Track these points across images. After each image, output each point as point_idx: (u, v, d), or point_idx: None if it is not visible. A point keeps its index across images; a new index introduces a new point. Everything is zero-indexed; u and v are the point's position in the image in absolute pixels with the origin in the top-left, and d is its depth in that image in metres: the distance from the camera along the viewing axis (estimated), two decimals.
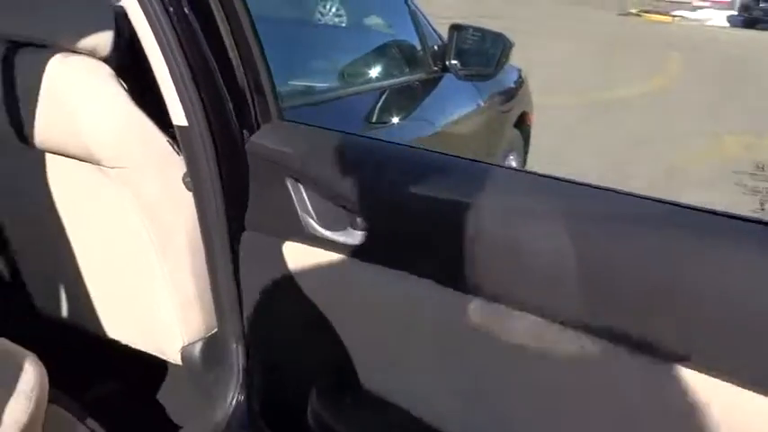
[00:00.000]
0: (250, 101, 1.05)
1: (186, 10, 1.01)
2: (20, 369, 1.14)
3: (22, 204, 1.45)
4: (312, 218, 1.00)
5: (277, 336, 1.15)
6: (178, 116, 1.08)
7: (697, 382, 0.74)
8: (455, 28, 1.91)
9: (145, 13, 1.01)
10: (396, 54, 2.02)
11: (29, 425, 1.03)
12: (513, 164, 2.81)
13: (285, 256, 1.05)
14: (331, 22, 2.49)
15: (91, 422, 1.44)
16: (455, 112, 2.10)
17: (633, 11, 16.87)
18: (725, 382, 0.72)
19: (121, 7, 1.10)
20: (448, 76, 1.96)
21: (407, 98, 1.96)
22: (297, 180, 1.02)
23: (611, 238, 0.80)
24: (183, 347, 1.37)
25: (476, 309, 0.85)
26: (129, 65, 1.24)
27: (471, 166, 1.00)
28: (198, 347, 1.37)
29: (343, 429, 1.07)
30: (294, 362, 1.16)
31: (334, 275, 1.02)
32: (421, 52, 1.98)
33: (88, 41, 1.17)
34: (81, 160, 1.23)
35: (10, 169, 1.39)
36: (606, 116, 5.78)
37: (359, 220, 0.96)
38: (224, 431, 1.22)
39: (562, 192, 0.88)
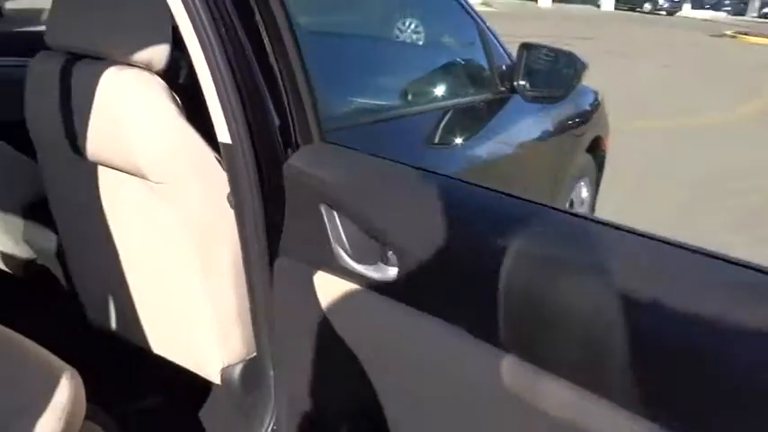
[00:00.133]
0: (291, 121, 1.00)
1: (238, 30, 0.99)
2: (57, 383, 1.13)
3: (76, 215, 1.47)
4: (344, 249, 0.94)
5: (306, 367, 1.09)
6: (223, 133, 1.06)
7: None
8: (525, 47, 1.82)
9: (195, 30, 0.99)
10: (461, 73, 1.95)
11: None
12: (585, 191, 2.67)
13: (316, 287, 0.99)
14: (409, 39, 2.46)
15: None
16: (521, 135, 1.99)
17: (728, 32, 16.10)
18: None
19: None
20: (515, 98, 1.87)
21: (471, 119, 1.88)
22: (331, 207, 0.96)
23: (667, 302, 0.67)
24: (223, 368, 1.35)
25: (507, 367, 0.75)
26: (183, 80, 1.24)
27: (515, 205, 0.89)
28: (237, 369, 1.34)
29: None
30: (323, 396, 1.09)
31: (364, 311, 0.95)
32: (488, 72, 1.90)
33: (143, 55, 1.16)
34: (129, 174, 1.23)
35: (64, 180, 1.41)
36: (694, 142, 5.45)
37: (390, 254, 0.89)
38: None
39: (611, 240, 0.77)
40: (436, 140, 1.76)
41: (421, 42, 2.34)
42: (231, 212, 1.15)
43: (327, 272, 0.98)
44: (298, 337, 1.07)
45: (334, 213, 0.95)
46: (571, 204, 2.58)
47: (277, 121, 1.02)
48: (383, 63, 1.93)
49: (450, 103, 1.86)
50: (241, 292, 1.23)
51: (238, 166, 1.05)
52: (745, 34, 15.79)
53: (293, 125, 1.01)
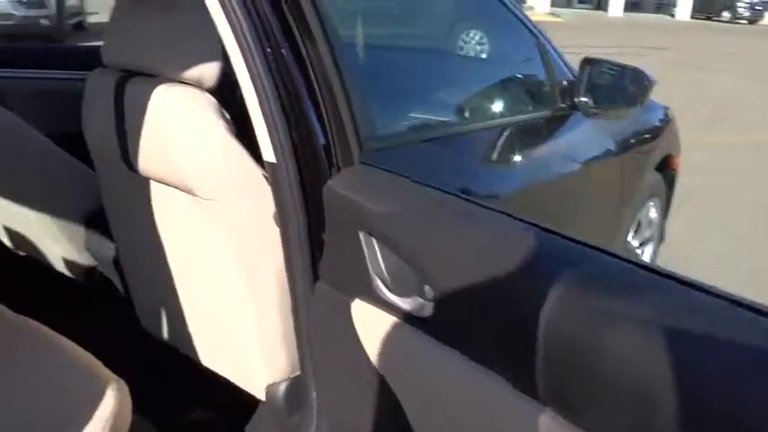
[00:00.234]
0: (331, 142, 0.98)
1: (282, 48, 0.99)
2: (103, 394, 1.14)
3: (130, 226, 1.50)
4: (382, 279, 0.90)
5: (344, 393, 1.06)
6: (267, 152, 1.05)
7: None
8: (587, 62, 1.74)
9: (240, 48, 0.99)
10: (520, 89, 1.89)
11: None
12: (653, 212, 2.54)
13: (353, 315, 0.96)
14: (473, 52, 2.42)
15: None
16: (583, 154, 1.91)
17: None
18: None
19: None
20: (577, 115, 1.79)
21: (530, 137, 1.81)
22: (370, 234, 0.93)
23: (723, 363, 0.61)
24: (268, 386, 1.34)
25: (543, 422, 0.69)
26: (234, 97, 1.24)
27: (563, 245, 0.81)
28: (282, 388, 1.33)
29: None
30: (361, 423, 1.06)
31: (399, 345, 0.91)
32: (548, 87, 1.83)
33: (194, 72, 1.17)
34: (178, 189, 1.24)
35: (119, 192, 1.44)
36: None
37: (427, 288, 0.85)
38: None
39: (665, 291, 0.70)
40: (493, 159, 1.71)
41: (485, 55, 2.30)
42: (278, 231, 1.14)
43: (365, 300, 0.94)
44: (336, 362, 1.04)
45: (373, 241, 0.92)
46: (638, 226, 2.46)
47: (322, 141, 1.00)
48: (441, 77, 1.89)
49: (507, 120, 1.80)
50: (286, 311, 1.22)
51: (283, 185, 1.05)
52: None
53: (334, 146, 0.99)
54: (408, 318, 0.88)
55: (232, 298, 1.29)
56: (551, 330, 0.70)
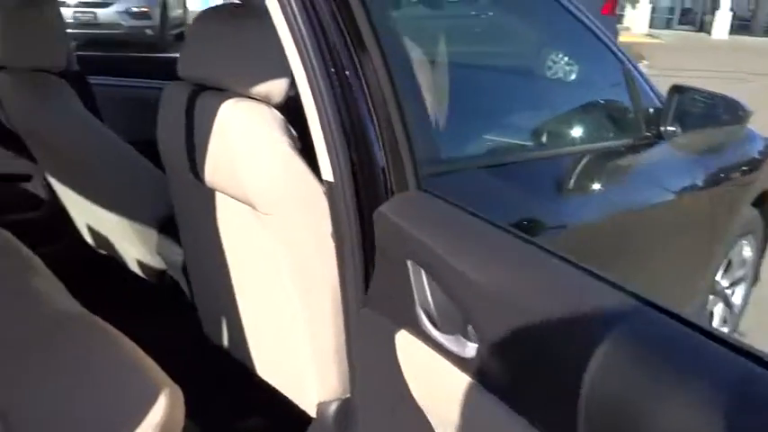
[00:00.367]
0: (386, 166, 0.96)
1: (347, 69, 0.98)
2: (156, 398, 1.16)
3: (196, 234, 1.53)
4: (427, 313, 0.86)
5: (388, 421, 1.02)
6: (326, 171, 1.04)
7: None
8: (676, 89, 1.63)
9: (304, 69, 0.99)
10: (602, 115, 1.80)
11: None
12: (748, 250, 2.36)
13: (397, 346, 0.92)
14: (562, 73, 2.35)
15: None
16: (668, 186, 1.79)
17: None
18: None
19: None
20: (663, 144, 1.68)
21: (610, 165, 1.72)
22: (418, 265, 0.89)
23: None
24: (319, 403, 1.33)
25: None
26: (301, 114, 1.25)
27: (616, 297, 0.74)
28: (332, 407, 1.32)
29: None
30: None
31: (440, 383, 0.87)
32: (632, 115, 1.73)
33: (262, 88, 1.18)
34: (241, 202, 1.25)
35: (187, 200, 1.48)
36: None
37: (470, 329, 0.80)
38: None
39: (727, 361, 0.62)
40: (568, 187, 1.63)
41: (566, 78, 2.22)
42: (334, 250, 1.13)
43: (409, 332, 0.91)
44: (380, 389, 1.01)
45: (421, 272, 0.88)
46: (730, 264, 2.29)
47: (381, 164, 0.98)
48: (517, 100, 1.83)
49: (586, 147, 1.72)
50: (339, 330, 1.20)
51: (339, 204, 1.03)
52: None
53: (388, 170, 0.96)
54: (450, 356, 0.84)
55: (288, 312, 1.29)
56: (596, 390, 0.64)
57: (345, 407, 1.29)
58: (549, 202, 1.49)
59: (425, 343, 0.88)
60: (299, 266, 1.21)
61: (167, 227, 1.71)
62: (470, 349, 0.80)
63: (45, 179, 2.10)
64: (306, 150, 1.20)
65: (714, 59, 12.50)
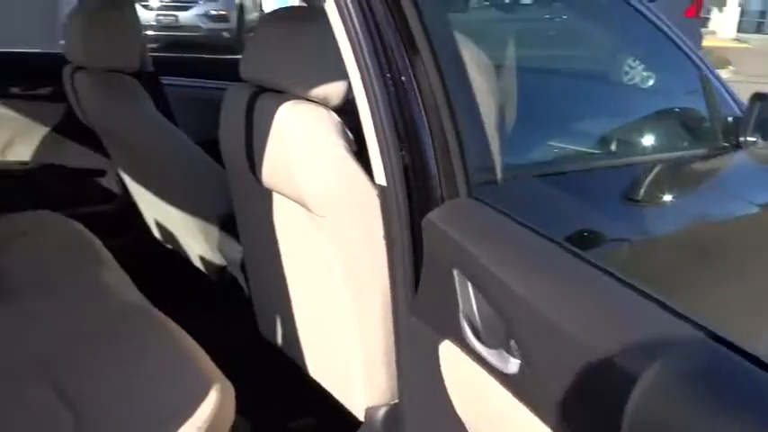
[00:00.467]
0: (436, 172, 0.94)
1: (403, 78, 0.98)
2: (207, 392, 1.18)
3: (254, 232, 1.56)
4: (471, 324, 0.83)
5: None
6: (379, 175, 1.04)
7: None
8: (758, 97, 1.53)
9: (360, 73, 0.99)
10: (676, 123, 1.71)
11: None
12: None
13: (441, 357, 0.90)
14: (639, 78, 2.27)
15: None
16: (744, 198, 1.68)
17: None
18: None
19: None
20: (741, 154, 1.59)
21: (683, 176, 1.63)
22: (464, 275, 0.87)
23: None
24: (368, 408, 1.32)
25: None
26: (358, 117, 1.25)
27: (666, 322, 0.69)
28: (381, 413, 1.31)
29: None
30: None
31: (481, 397, 0.84)
32: (708, 123, 1.64)
33: (320, 90, 1.19)
34: (296, 203, 1.26)
35: (245, 199, 1.50)
36: None
37: (513, 343, 0.77)
38: None
39: None
40: (637, 198, 1.56)
41: (651, 82, 2.13)
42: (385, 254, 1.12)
43: (453, 343, 0.88)
44: (425, 398, 0.99)
45: (467, 282, 0.86)
46: None
47: (433, 170, 0.97)
48: (588, 105, 1.77)
49: (659, 156, 1.64)
50: (389, 335, 1.19)
51: (391, 209, 1.03)
52: None
53: (439, 176, 0.94)
54: (493, 371, 0.81)
55: (339, 315, 1.29)
56: (640, 418, 0.60)
57: (394, 412, 1.27)
58: (614, 214, 1.43)
59: (468, 355, 0.85)
60: (352, 269, 1.21)
61: (228, 224, 1.75)
62: (513, 365, 0.77)
63: (118, 174, 2.19)
64: (362, 154, 1.19)
65: None
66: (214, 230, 1.83)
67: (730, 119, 1.62)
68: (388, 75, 0.98)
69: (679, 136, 1.68)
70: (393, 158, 0.99)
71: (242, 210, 1.56)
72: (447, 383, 0.90)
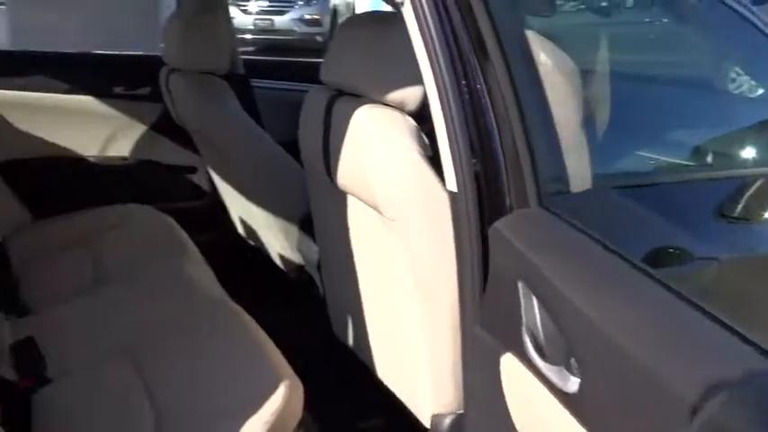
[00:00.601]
0: (505, 181, 0.92)
1: (478, 85, 0.96)
2: (276, 388, 1.21)
3: (328, 233, 1.58)
4: (533, 338, 0.80)
5: None
6: (450, 181, 1.02)
7: None
8: None
9: (434, 77, 0.99)
10: None
11: None
12: None
13: (501, 370, 0.87)
14: (747, 86, 2.13)
15: None
16: None
17: None
18: None
19: None
20: None
21: None
22: (528, 287, 0.84)
23: None
24: (434, 415, 1.31)
25: None
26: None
27: (742, 353, 0.64)
28: (446, 421, 1.29)
29: None
30: None
31: (540, 414, 0.80)
32: None
33: (397, 95, 1.19)
34: (368, 206, 1.26)
35: (322, 200, 1.53)
36: None
37: (573, 361, 0.73)
38: None
39: None
40: (733, 214, 1.46)
41: (761, 91, 1.99)
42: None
43: (515, 356, 0.86)
44: (489, 412, 0.96)
45: (532, 295, 0.83)
46: None
47: (504, 178, 0.94)
48: (683, 114, 1.67)
49: (760, 170, 1.52)
50: (457, 344, 1.17)
51: (461, 216, 1.01)
52: None
53: (508, 185, 0.92)
54: (553, 388, 0.78)
55: (409, 319, 1.29)
56: None
57: (459, 423, 1.25)
58: (703, 231, 1.34)
59: (529, 370, 0.82)
60: (422, 274, 1.20)
61: (307, 224, 1.78)
62: (573, 384, 0.74)
63: (208, 172, 2.29)
64: (437, 159, 1.18)
65: None
66: (294, 230, 1.87)
67: None
68: (464, 82, 0.97)
69: None
70: (464, 165, 0.97)
71: (317, 210, 1.59)
72: (507, 397, 0.88)
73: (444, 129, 1.00)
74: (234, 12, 8.43)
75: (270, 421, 1.16)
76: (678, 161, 1.51)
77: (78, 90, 2.24)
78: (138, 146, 2.33)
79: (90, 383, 1.28)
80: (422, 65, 1.02)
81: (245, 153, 1.90)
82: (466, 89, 0.97)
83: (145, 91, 2.29)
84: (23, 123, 2.18)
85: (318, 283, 1.81)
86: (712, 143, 1.54)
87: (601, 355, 0.71)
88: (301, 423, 1.29)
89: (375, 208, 1.24)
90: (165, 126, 2.26)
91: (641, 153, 1.45)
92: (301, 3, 8.92)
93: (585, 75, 1.43)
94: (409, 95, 1.19)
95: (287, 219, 1.87)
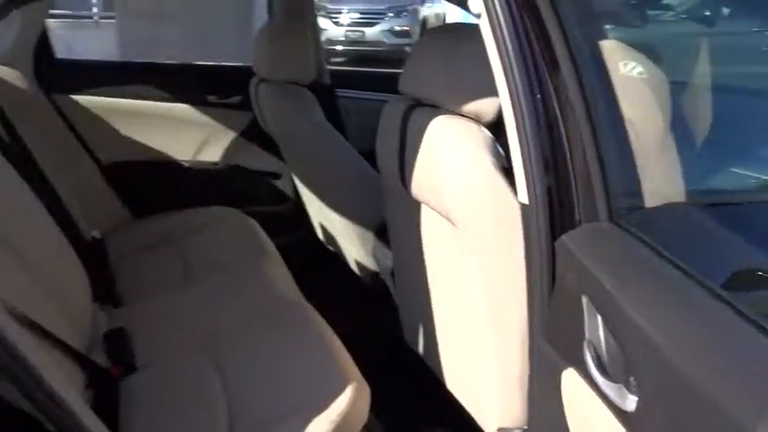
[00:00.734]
0: (574, 194, 0.90)
1: (552, 100, 0.95)
2: (343, 390, 1.24)
3: (402, 241, 1.60)
4: (594, 355, 0.78)
5: None
6: (522, 193, 1.02)
7: None
8: None
9: (509, 90, 0.99)
10: None
11: None
12: None
13: (563, 384, 0.86)
14: None
15: None
16: None
17: None
18: None
19: None
20: None
21: None
22: (592, 303, 0.82)
23: None
24: (499, 429, 1.30)
25: None
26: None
27: None
28: None
29: None
30: None
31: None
32: None
33: (473, 106, 1.20)
34: (441, 215, 1.27)
35: (396, 209, 1.55)
36: None
37: (632, 380, 0.70)
38: None
39: None
40: None
41: None
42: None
43: (576, 371, 0.84)
44: (548, 428, 0.95)
45: (595, 310, 0.81)
46: None
47: (573, 191, 0.93)
48: None
49: None
50: (525, 357, 1.16)
51: (532, 228, 1.01)
52: None
53: (577, 198, 0.91)
54: (612, 406, 0.75)
55: (478, 331, 1.28)
56: None
57: None
58: None
59: (589, 386, 0.80)
60: (492, 286, 1.20)
61: (383, 231, 1.81)
62: (630, 402, 0.72)
63: (291, 178, 2.37)
64: (512, 171, 1.18)
65: None
66: (370, 236, 1.91)
67: None
68: (539, 96, 0.97)
69: None
70: (536, 178, 0.97)
71: (392, 218, 1.62)
72: (567, 413, 0.86)
73: (517, 140, 1.00)
74: (326, 24, 8.67)
75: (336, 421, 1.19)
76: None
77: (176, 98, 2.39)
78: (228, 151, 2.45)
79: (172, 374, 1.36)
80: (497, 77, 1.03)
81: (326, 161, 1.96)
82: (541, 102, 0.97)
83: (236, 100, 2.41)
84: (126, 128, 2.34)
85: (392, 290, 1.84)
86: None
87: (658, 375, 0.68)
88: (367, 426, 1.31)
89: (447, 218, 1.25)
90: (254, 133, 2.36)
91: (735, 170, 1.38)
92: (391, 15, 9.04)
93: (682, 86, 1.38)
94: (485, 107, 1.19)
95: (364, 226, 1.91)
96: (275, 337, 1.43)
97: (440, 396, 1.52)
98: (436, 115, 1.23)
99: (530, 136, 0.97)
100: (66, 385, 0.89)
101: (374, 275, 1.99)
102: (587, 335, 0.82)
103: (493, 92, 1.15)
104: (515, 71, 0.97)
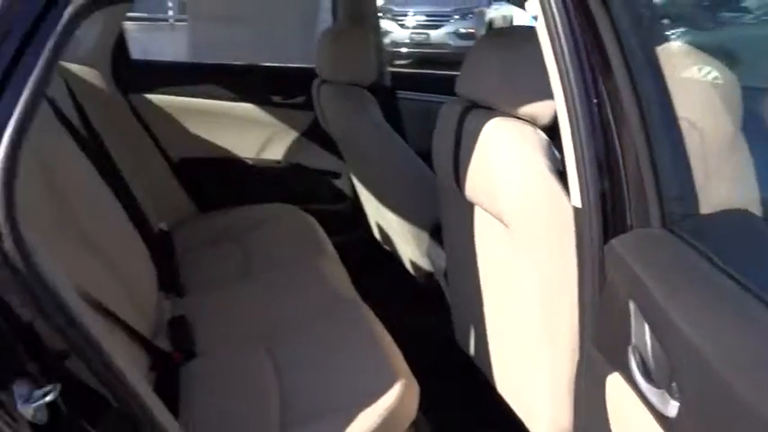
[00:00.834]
0: (626, 199, 0.89)
1: (606, 103, 0.95)
2: (391, 386, 1.27)
3: (455, 242, 1.60)
4: (639, 360, 0.77)
5: None
6: (575, 197, 1.02)
7: None
8: None
9: (564, 93, 0.99)
10: None
11: None
12: None
13: (607, 389, 0.85)
14: None
15: None
16: None
17: None
18: None
19: None
20: None
21: None
22: (639, 307, 0.80)
23: None
24: None
25: None
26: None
27: None
28: None
29: None
30: None
31: None
32: None
33: (528, 109, 1.20)
34: (494, 217, 1.28)
35: (450, 210, 1.56)
36: None
37: (674, 386, 0.69)
38: None
39: None
40: None
41: None
42: None
43: (621, 376, 0.83)
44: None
45: (642, 316, 0.80)
46: None
47: (626, 196, 0.92)
48: None
49: None
50: (575, 363, 1.15)
51: (584, 232, 1.00)
52: None
53: (629, 203, 0.89)
54: (654, 412, 0.74)
55: (532, 335, 1.28)
56: None
57: None
58: None
59: (634, 391, 0.80)
60: (545, 290, 1.19)
61: (438, 232, 1.82)
62: (672, 408, 0.71)
63: (350, 178, 2.42)
64: (566, 174, 1.17)
65: None
66: (425, 237, 1.92)
67: None
68: (595, 100, 0.96)
69: None
70: (589, 181, 0.97)
71: (446, 219, 1.63)
72: (610, 418, 0.86)
73: (571, 144, 0.99)
74: (391, 26, 8.71)
75: (383, 415, 1.22)
76: None
77: (242, 98, 2.47)
78: (290, 150, 2.52)
79: (229, 363, 1.42)
80: (552, 80, 1.03)
81: (383, 161, 1.99)
82: (596, 107, 0.96)
83: (299, 100, 2.47)
84: (194, 126, 2.44)
85: (445, 290, 1.85)
86: None
87: (702, 383, 0.67)
88: (415, 423, 1.33)
89: (501, 219, 1.25)
90: (315, 133, 2.42)
91: None
92: (457, 17, 9.01)
93: (756, 91, 1.34)
94: (541, 109, 1.19)
95: (419, 226, 1.93)
96: (329, 332, 1.47)
97: (490, 398, 1.52)
98: (492, 117, 1.24)
99: (584, 139, 0.97)
100: (132, 367, 0.95)
101: (429, 276, 2.00)
102: (633, 340, 0.81)
103: (549, 94, 1.15)
104: (571, 74, 0.97)
